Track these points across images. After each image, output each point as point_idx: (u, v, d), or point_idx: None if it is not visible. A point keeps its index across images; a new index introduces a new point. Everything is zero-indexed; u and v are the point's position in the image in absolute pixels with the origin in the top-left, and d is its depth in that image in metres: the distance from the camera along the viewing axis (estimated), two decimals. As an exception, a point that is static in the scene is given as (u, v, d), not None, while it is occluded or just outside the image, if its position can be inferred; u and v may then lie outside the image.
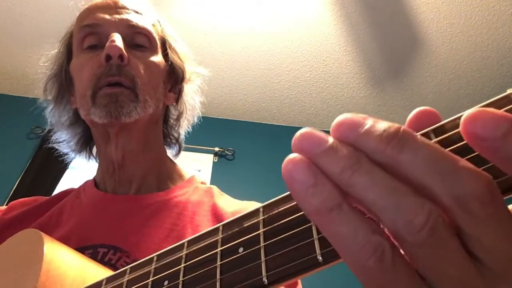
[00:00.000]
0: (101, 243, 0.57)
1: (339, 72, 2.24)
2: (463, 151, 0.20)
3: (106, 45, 0.60)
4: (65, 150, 0.76)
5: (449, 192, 0.17)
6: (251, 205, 0.65)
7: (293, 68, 2.24)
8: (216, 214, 0.62)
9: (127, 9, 0.67)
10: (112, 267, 0.52)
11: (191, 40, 2.08)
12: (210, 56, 2.18)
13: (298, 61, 2.19)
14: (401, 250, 0.19)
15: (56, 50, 0.72)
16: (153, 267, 0.30)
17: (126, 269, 0.33)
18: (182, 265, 0.28)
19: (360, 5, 1.88)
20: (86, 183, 0.73)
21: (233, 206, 0.64)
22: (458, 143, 0.21)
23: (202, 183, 0.73)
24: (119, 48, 0.60)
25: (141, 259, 0.38)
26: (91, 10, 0.67)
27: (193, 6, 1.93)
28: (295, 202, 0.25)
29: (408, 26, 1.95)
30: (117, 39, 0.61)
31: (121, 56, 0.60)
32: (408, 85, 2.30)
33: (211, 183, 0.75)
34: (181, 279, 0.27)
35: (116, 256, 0.54)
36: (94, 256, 0.54)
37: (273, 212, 0.26)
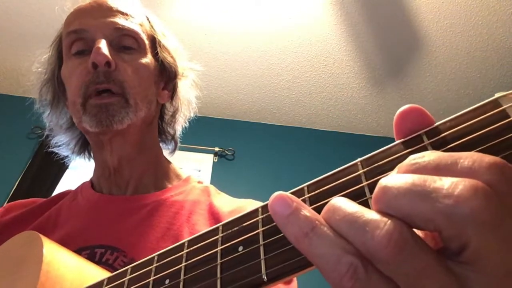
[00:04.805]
0: (98, 244, 0.57)
1: (339, 72, 2.24)
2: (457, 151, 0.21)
3: (92, 52, 0.60)
4: (65, 153, 0.76)
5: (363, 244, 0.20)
6: (248, 204, 0.65)
7: (293, 68, 2.25)
8: (213, 213, 0.62)
9: (113, 11, 0.65)
10: (110, 267, 0.52)
11: (191, 40, 2.09)
12: (210, 56, 2.18)
13: (298, 61, 2.20)
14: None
15: (48, 54, 0.71)
16: (154, 266, 0.30)
17: (127, 269, 0.33)
18: (183, 264, 0.28)
19: (360, 5, 1.88)
20: (83, 184, 0.73)
21: (230, 205, 0.64)
22: (451, 143, 0.22)
23: (199, 182, 0.73)
24: (105, 56, 0.59)
25: (138, 258, 0.38)
26: (76, 15, 0.66)
27: (193, 6, 1.93)
28: None
29: (408, 26, 1.95)
30: (103, 46, 0.60)
31: (107, 63, 0.60)
32: (408, 85, 2.30)
33: (211, 183, 0.75)
34: (182, 277, 0.27)
35: (113, 256, 0.54)
36: (91, 257, 0.54)
37: None
